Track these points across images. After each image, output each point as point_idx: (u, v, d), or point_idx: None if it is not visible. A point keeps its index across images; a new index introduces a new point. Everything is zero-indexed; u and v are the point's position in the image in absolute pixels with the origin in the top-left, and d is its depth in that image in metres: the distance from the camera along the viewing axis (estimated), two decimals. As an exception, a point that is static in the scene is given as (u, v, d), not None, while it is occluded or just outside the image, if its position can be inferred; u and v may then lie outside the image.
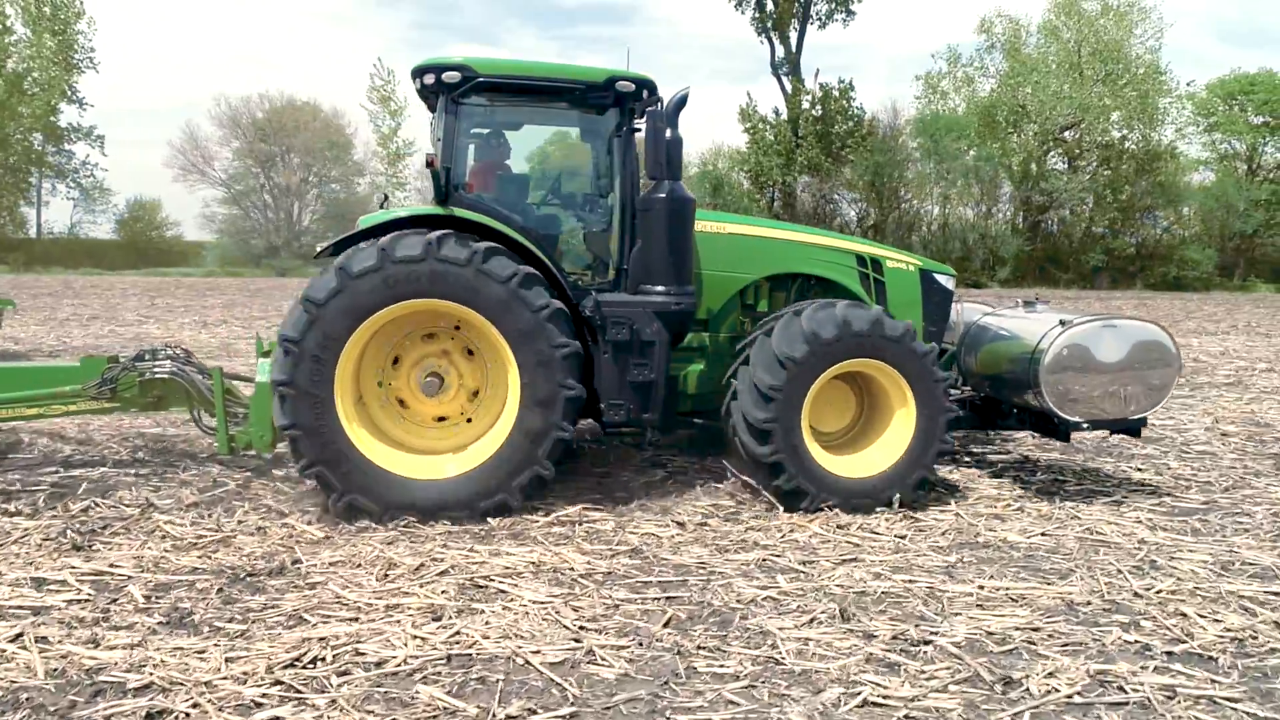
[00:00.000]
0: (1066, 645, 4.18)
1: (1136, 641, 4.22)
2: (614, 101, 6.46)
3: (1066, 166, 51.20)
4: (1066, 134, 50.01)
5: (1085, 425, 6.43)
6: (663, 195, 6.18)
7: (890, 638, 4.23)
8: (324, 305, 5.61)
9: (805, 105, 46.76)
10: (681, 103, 6.29)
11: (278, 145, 54.50)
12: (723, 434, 6.62)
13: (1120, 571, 5.14)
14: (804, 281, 7.25)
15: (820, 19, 48.43)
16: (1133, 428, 6.59)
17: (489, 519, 5.86)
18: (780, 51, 48.87)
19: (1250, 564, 5.30)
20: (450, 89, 6.20)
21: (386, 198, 7.59)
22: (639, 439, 7.96)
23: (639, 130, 6.53)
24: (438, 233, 5.74)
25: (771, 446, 6.04)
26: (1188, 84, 53.14)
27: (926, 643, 4.17)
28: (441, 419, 6.29)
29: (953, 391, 7.59)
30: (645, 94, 6.42)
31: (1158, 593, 4.82)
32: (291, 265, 48.82)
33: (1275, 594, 4.83)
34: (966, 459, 8.09)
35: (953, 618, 4.47)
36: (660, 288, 6.28)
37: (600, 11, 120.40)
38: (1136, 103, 48.65)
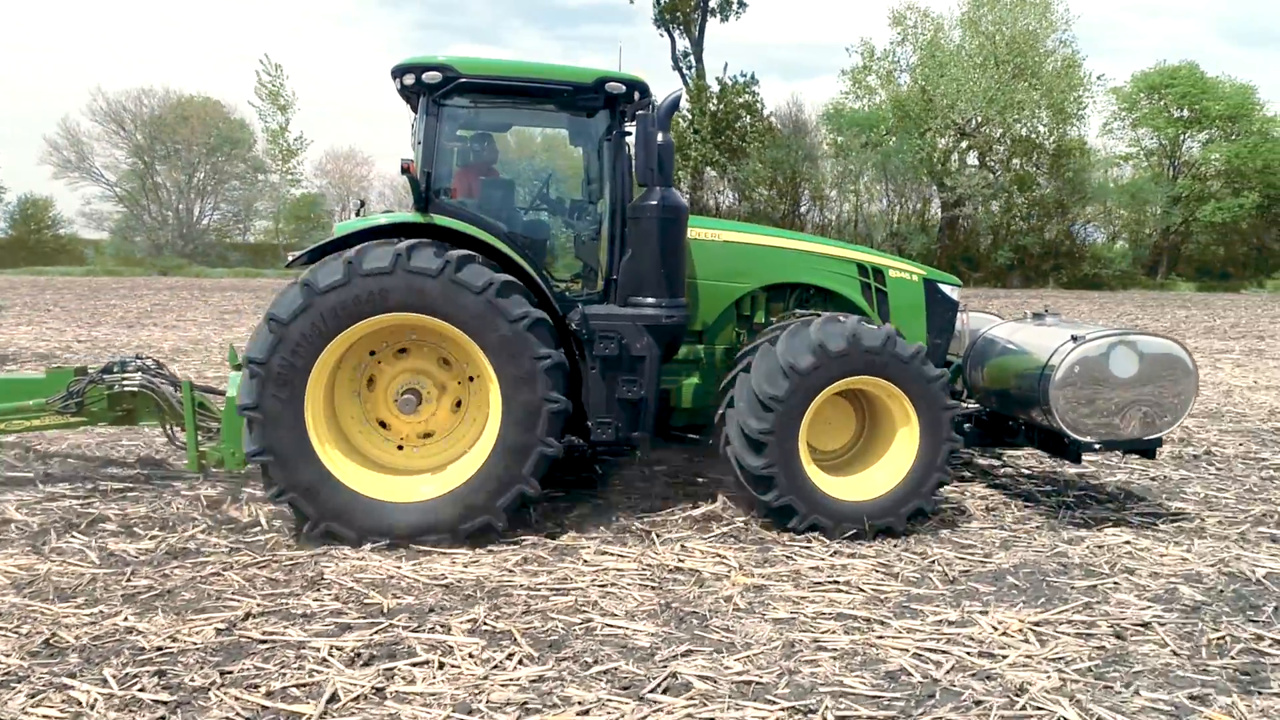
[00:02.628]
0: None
1: None
2: (604, 103, 6.15)
3: (978, 163, 50.27)
4: (981, 129, 48.95)
5: (1097, 446, 6.13)
6: (654, 202, 5.88)
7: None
8: (289, 324, 5.31)
9: (711, 101, 46.11)
10: (674, 105, 5.98)
11: (167, 142, 52.62)
12: (715, 448, 6.32)
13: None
14: (803, 292, 6.94)
15: (718, 12, 47.95)
16: (1147, 448, 6.28)
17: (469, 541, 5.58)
18: (682, 45, 48.24)
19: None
20: (431, 90, 5.89)
21: (363, 204, 7.26)
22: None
23: (630, 134, 6.22)
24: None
25: (765, 459, 5.74)
26: (1098, 77, 52.13)
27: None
28: (383, 424, 5.96)
29: (959, 405, 7.34)
30: (637, 96, 6.11)
31: None
32: (174, 264, 47.60)
33: None
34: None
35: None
36: (651, 300, 5.97)
37: (603, 11, 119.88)
38: (1044, 96, 47.56)
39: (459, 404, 5.97)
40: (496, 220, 6.13)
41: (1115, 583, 5.14)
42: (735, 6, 48.10)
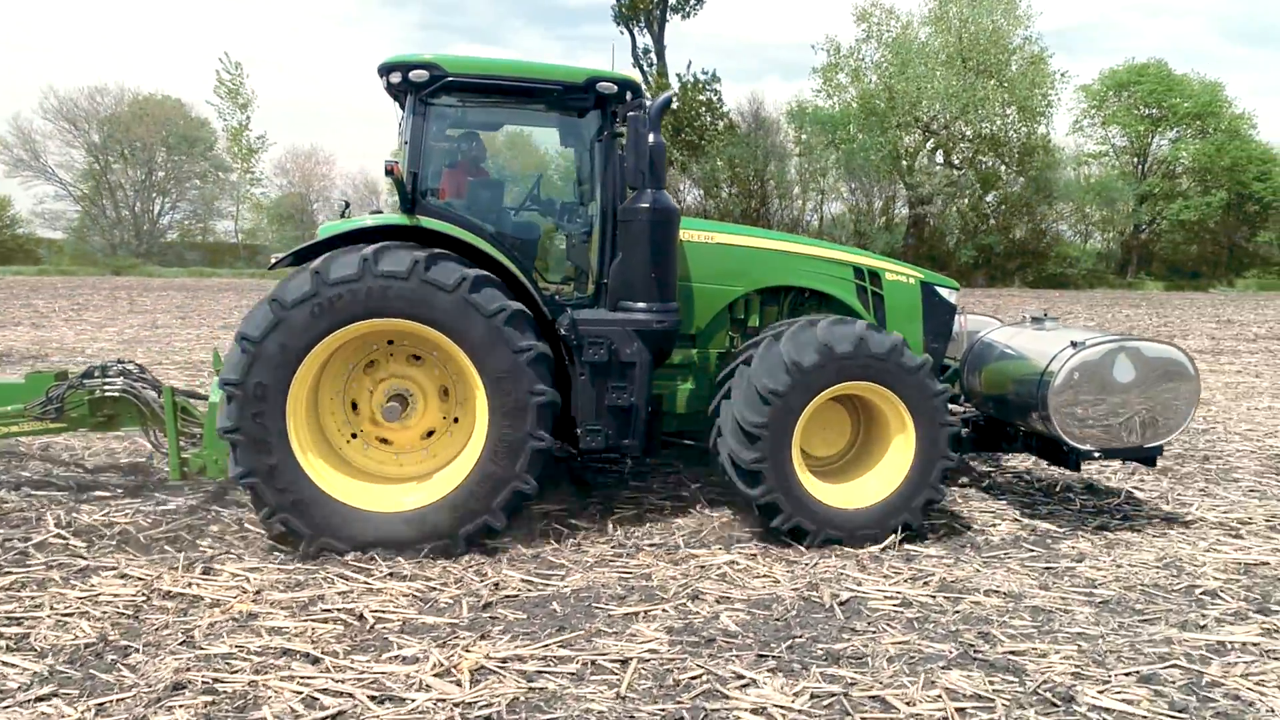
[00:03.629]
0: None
1: None
2: (595, 103, 6.03)
3: (942, 161, 49.84)
4: (947, 128, 48.40)
5: (1097, 454, 6.02)
6: (645, 205, 5.74)
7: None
8: (261, 342, 5.19)
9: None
10: (665, 105, 5.87)
11: (123, 141, 51.79)
12: (710, 456, 6.21)
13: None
14: (797, 295, 6.82)
15: (680, 8, 47.55)
16: (1148, 456, 6.17)
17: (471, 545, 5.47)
18: (643, 41, 47.87)
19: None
20: (418, 88, 5.76)
21: (348, 205, 7.13)
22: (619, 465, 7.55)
23: (622, 135, 6.08)
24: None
25: (763, 488, 5.63)
26: (1062, 74, 51.15)
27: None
28: (431, 433, 5.88)
29: (955, 408, 7.25)
30: (628, 96, 5.97)
31: None
32: (128, 264, 46.93)
33: None
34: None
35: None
36: (641, 305, 5.84)
37: (605, 11, 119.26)
38: (1008, 94, 46.95)
39: (447, 393, 5.85)
40: (484, 222, 6.01)
41: (665, 610, 4.70)
42: (693, 2, 47.92)
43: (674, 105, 46.33)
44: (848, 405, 6.30)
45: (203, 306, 25.52)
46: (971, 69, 47.23)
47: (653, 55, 48.32)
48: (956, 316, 7.23)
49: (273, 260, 5.71)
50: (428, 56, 5.75)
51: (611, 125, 6.06)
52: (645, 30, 48.41)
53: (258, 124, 55.36)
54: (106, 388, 6.42)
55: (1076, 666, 4.14)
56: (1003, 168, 49.46)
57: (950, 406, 7.26)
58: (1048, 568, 5.49)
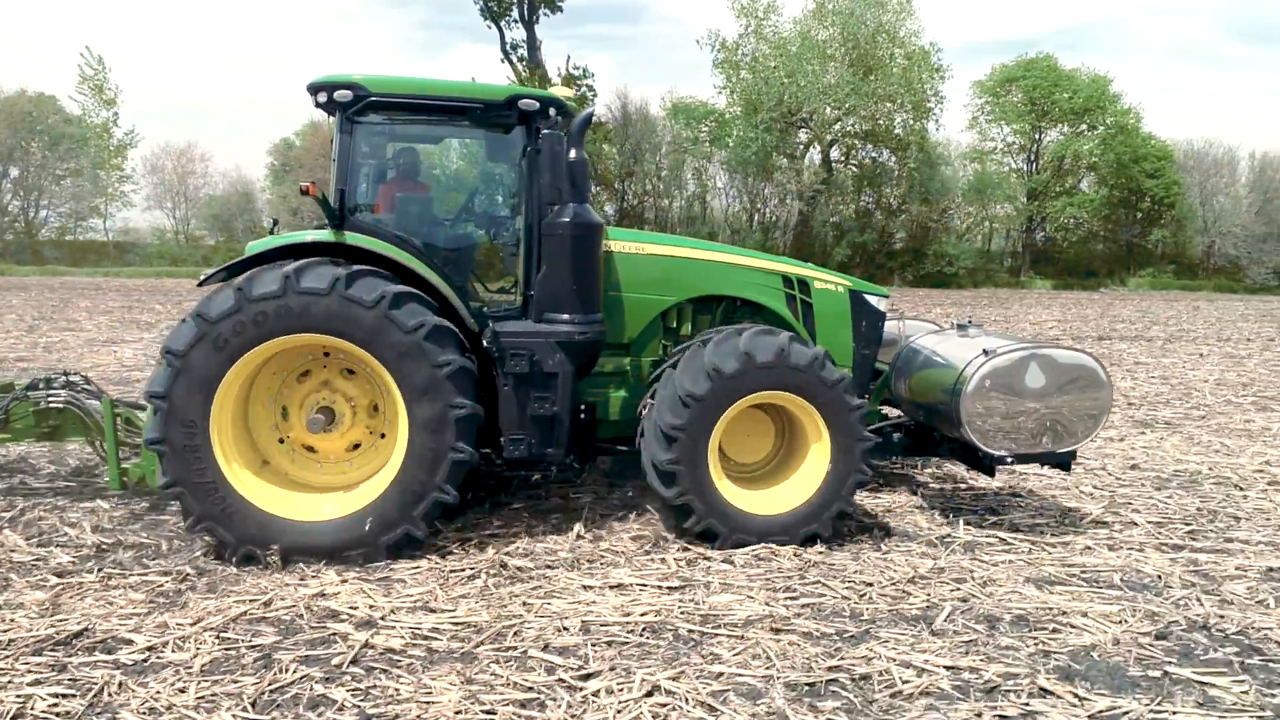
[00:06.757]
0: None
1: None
2: (519, 120, 6.18)
3: (820, 158, 48.73)
4: (834, 125, 47.23)
5: (1010, 459, 6.16)
6: (566, 219, 5.91)
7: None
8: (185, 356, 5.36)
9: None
10: (586, 122, 6.03)
11: None
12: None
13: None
14: (729, 304, 6.97)
15: (551, 2, 46.76)
16: (1062, 461, 6.30)
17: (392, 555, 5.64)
18: (514, 35, 46.91)
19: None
20: (344, 107, 5.93)
21: (276, 222, 7.30)
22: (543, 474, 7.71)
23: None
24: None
25: (678, 489, 5.80)
26: (937, 70, 48.57)
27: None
28: (356, 445, 6.05)
29: (885, 412, 7.41)
30: (552, 113, 6.13)
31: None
32: None
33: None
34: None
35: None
36: (565, 316, 6.00)
37: (608, 10, 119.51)
38: (888, 89, 45.73)
39: (376, 408, 6.01)
40: (415, 235, 6.16)
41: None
42: None
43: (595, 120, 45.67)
44: (773, 414, 6.46)
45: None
46: (845, 63, 46.42)
47: (523, 50, 47.61)
48: (894, 322, 7.36)
49: (202, 276, 5.87)
50: (354, 77, 5.91)
51: (536, 141, 6.19)
52: (511, 25, 47.66)
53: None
54: (51, 399, 6.60)
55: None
56: (892, 163, 48.60)
57: (884, 409, 7.47)
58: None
